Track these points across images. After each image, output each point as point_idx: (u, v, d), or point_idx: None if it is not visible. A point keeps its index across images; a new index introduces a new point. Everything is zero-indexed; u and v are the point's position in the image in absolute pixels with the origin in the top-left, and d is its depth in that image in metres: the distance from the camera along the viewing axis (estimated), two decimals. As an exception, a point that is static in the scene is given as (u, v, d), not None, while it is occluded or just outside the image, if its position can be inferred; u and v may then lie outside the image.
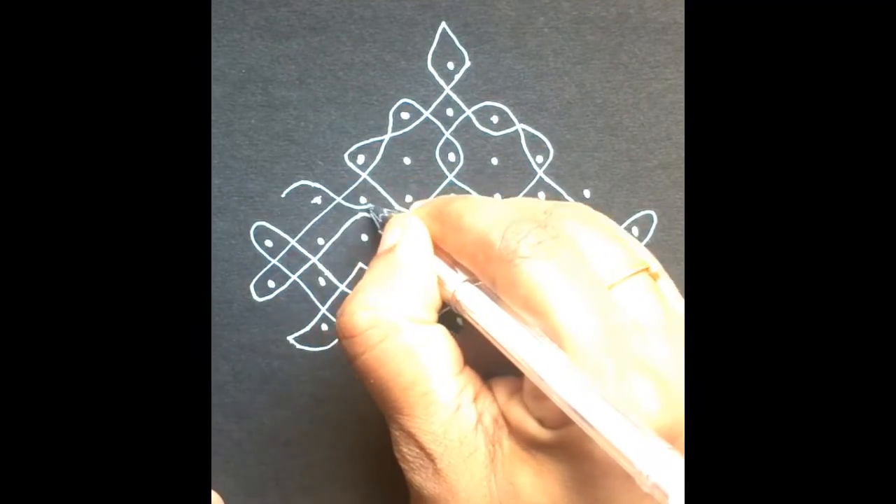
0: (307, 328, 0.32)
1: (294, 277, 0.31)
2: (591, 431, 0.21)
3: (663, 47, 0.30)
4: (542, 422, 0.23)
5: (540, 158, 0.31)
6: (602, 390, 0.21)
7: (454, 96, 0.30)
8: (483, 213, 0.25)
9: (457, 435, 0.24)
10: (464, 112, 0.31)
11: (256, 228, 0.31)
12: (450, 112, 0.31)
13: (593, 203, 0.31)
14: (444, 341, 0.25)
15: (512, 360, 0.23)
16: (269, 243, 0.31)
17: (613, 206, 0.31)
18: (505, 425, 0.24)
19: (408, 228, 0.27)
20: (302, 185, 0.31)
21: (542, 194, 0.31)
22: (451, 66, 0.30)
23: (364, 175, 0.31)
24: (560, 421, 0.22)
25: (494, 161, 0.31)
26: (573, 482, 0.23)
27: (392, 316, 0.25)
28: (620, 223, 0.31)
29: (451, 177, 0.31)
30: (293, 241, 0.31)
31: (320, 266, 0.31)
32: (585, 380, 0.21)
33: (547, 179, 0.31)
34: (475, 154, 0.31)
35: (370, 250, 0.31)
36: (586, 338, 0.22)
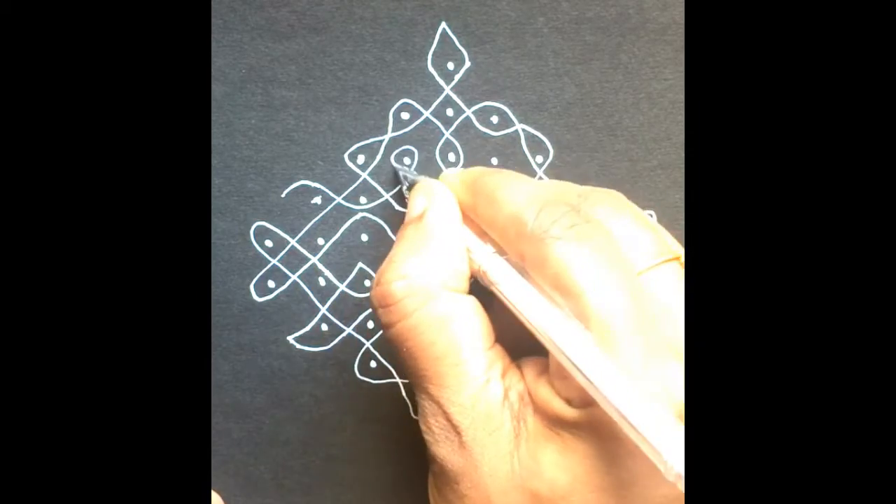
0: (307, 328, 0.32)
1: (294, 277, 0.31)
2: (616, 416, 0.21)
3: (663, 47, 0.30)
4: (569, 402, 0.23)
5: (540, 158, 0.31)
6: (630, 375, 0.21)
7: (454, 96, 0.30)
8: (518, 190, 0.25)
9: (484, 409, 0.24)
10: (464, 112, 0.31)
11: (256, 228, 0.31)
12: (450, 112, 0.31)
13: (593, 203, 0.31)
14: (478, 314, 0.25)
15: (538, 337, 0.23)
16: (269, 243, 0.31)
17: (613, 206, 0.31)
18: (530, 403, 0.24)
19: (435, 195, 0.27)
20: (302, 185, 0.31)
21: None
22: (451, 66, 0.30)
23: (364, 175, 0.31)
24: (586, 400, 0.22)
25: (494, 161, 0.31)
26: (597, 461, 0.23)
27: (428, 283, 0.25)
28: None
29: (451, 177, 0.31)
30: (293, 241, 0.31)
31: (320, 266, 0.31)
32: (612, 363, 0.21)
33: (547, 179, 0.31)
34: (475, 154, 0.31)
35: (370, 250, 0.31)
36: (617, 321, 0.22)
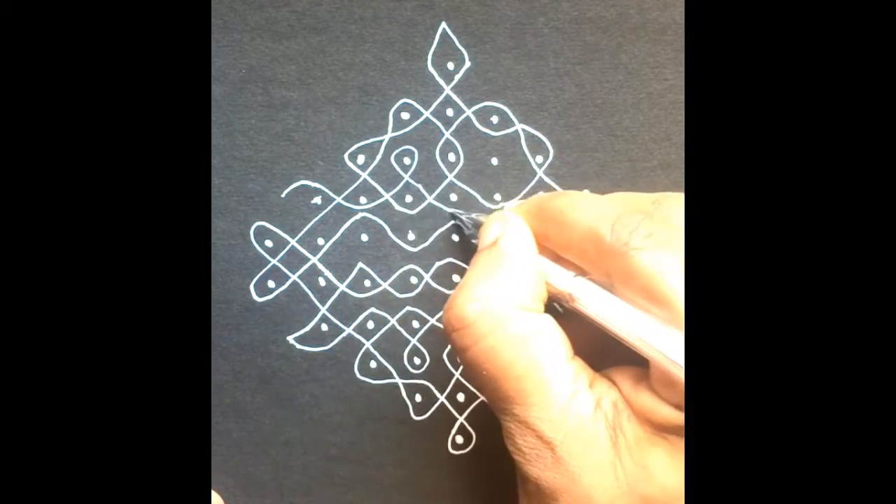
0: (307, 328, 0.32)
1: (294, 277, 0.31)
2: None
3: (663, 47, 0.30)
4: (678, 407, 0.23)
5: (540, 158, 0.31)
6: None
7: (454, 96, 0.30)
8: (587, 208, 0.25)
9: (575, 421, 0.24)
10: (464, 112, 0.31)
11: (256, 228, 0.31)
12: (450, 112, 0.31)
13: (593, 203, 0.31)
14: (555, 329, 0.25)
15: (639, 349, 0.23)
16: (269, 243, 0.31)
17: (613, 206, 0.31)
18: (625, 410, 0.24)
19: (508, 223, 0.27)
20: (302, 185, 0.31)
21: (541, 194, 0.31)
22: (451, 66, 0.30)
23: (364, 175, 0.31)
24: None
25: (494, 161, 0.31)
26: None
27: (502, 306, 0.25)
28: (620, 223, 0.31)
29: (451, 177, 0.31)
30: (293, 241, 0.31)
31: (320, 266, 0.31)
32: None
33: (547, 179, 0.31)
34: (475, 154, 0.31)
35: (370, 250, 0.31)
36: None
